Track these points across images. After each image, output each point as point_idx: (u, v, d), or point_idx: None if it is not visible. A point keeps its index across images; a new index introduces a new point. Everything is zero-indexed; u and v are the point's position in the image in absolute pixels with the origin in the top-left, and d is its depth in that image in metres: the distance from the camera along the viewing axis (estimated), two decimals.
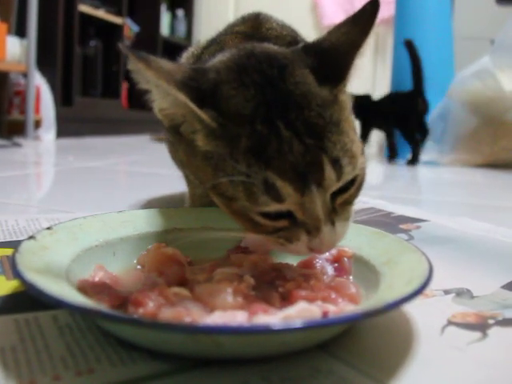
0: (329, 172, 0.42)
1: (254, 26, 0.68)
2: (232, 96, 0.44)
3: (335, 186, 0.44)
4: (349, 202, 0.47)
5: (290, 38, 0.65)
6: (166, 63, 0.45)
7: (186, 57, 0.75)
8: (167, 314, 0.38)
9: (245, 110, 0.44)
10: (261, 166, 0.42)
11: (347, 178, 0.44)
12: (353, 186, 0.46)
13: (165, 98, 0.45)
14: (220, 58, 0.49)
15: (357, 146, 0.45)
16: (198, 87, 0.45)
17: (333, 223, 0.44)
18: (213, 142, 0.45)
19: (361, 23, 0.48)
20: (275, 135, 0.42)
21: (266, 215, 0.44)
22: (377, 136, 2.64)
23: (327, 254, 0.52)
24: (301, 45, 0.50)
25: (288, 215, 0.44)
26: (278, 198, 0.42)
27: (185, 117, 0.46)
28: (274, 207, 0.43)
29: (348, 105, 0.48)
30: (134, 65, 0.44)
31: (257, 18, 0.70)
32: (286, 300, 0.44)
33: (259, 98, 0.44)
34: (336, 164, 0.43)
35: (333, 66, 0.47)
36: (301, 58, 0.47)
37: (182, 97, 0.43)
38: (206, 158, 0.46)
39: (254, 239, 0.51)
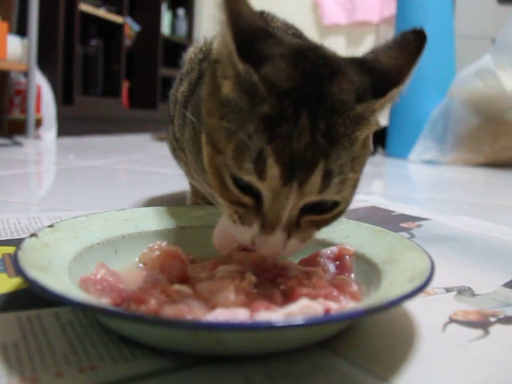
0: (316, 178, 0.41)
1: None
2: (279, 68, 0.43)
3: (313, 197, 0.42)
4: (316, 226, 0.46)
5: (295, 37, 0.65)
6: (245, 5, 0.44)
7: (193, 52, 0.74)
8: (169, 311, 0.38)
9: (283, 84, 0.43)
10: (265, 137, 0.41)
11: (329, 196, 0.43)
12: (328, 213, 0.45)
13: (221, 33, 0.45)
14: (288, 37, 0.48)
15: (353, 176, 0.44)
16: (251, 41, 0.44)
17: (289, 235, 0.44)
18: (237, 93, 0.44)
19: (408, 51, 0.47)
20: (294, 119, 0.42)
21: (238, 183, 0.43)
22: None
23: (328, 251, 0.52)
24: (355, 57, 0.49)
25: (257, 196, 0.43)
26: (261, 174, 0.41)
27: (225, 58, 0.45)
28: (251, 179, 0.42)
29: (370, 137, 0.48)
30: None
31: (261, 16, 0.70)
32: (288, 297, 0.44)
33: (301, 83, 0.43)
34: (327, 176, 0.42)
35: (374, 85, 0.45)
36: (353, 70, 0.46)
37: (229, 36, 0.43)
38: (222, 104, 0.45)
39: (220, 239, 0.51)
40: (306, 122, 0.41)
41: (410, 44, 0.47)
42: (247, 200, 0.44)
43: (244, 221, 0.44)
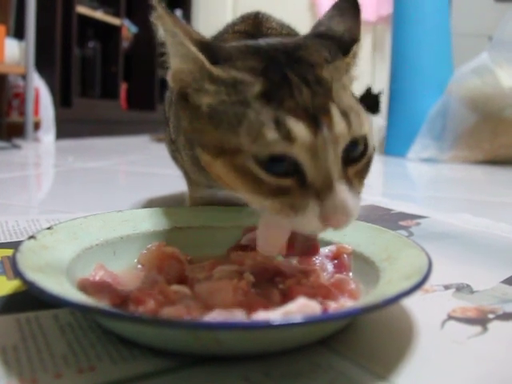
0: (337, 118, 0.41)
1: (254, 25, 0.68)
2: (247, 59, 0.45)
3: (345, 139, 0.41)
4: (361, 176, 0.44)
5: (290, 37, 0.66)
6: (189, 26, 0.47)
7: None
8: (167, 312, 0.38)
9: (259, 65, 0.44)
10: (273, 106, 0.41)
11: (357, 131, 0.42)
12: (364, 156, 0.44)
13: (178, 50, 0.46)
14: (232, 44, 0.50)
15: (362, 111, 0.45)
16: (211, 48, 0.46)
17: (349, 183, 0.41)
18: (223, 93, 0.44)
19: (350, 15, 0.53)
20: (286, 82, 0.43)
21: (270, 169, 0.41)
22: (376, 131, 2.64)
23: (326, 250, 0.53)
24: (306, 34, 0.53)
25: (295, 172, 0.41)
26: (289, 136, 0.40)
27: (193, 74, 0.46)
28: (282, 148, 0.40)
29: (352, 82, 0.50)
30: (157, 12, 0.45)
31: (256, 17, 0.71)
32: (286, 297, 0.44)
33: (273, 60, 0.45)
34: (343, 115, 0.42)
35: (339, 47, 0.49)
36: (310, 41, 0.49)
37: (194, 49, 0.45)
38: (210, 117, 0.45)
39: (267, 237, 0.48)
40: (296, 79, 0.43)
41: (348, 9, 0.53)
42: (287, 182, 0.41)
43: (297, 208, 0.41)
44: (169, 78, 0.49)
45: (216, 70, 0.45)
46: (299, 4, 3.90)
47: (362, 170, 0.44)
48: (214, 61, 0.45)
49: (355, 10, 0.53)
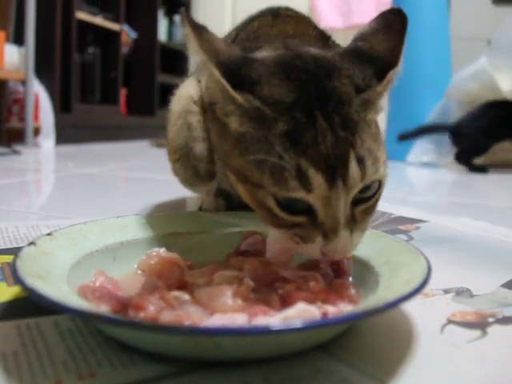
0: (353, 169, 0.43)
1: (273, 25, 0.68)
2: (275, 85, 0.45)
3: (358, 187, 0.44)
4: (368, 213, 0.47)
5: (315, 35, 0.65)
6: (218, 41, 0.47)
7: None
8: (168, 318, 0.38)
9: (286, 98, 0.44)
10: (296, 152, 0.42)
11: (370, 179, 0.44)
12: (374, 196, 0.47)
13: (205, 69, 0.47)
14: (267, 54, 0.50)
15: (382, 153, 0.46)
16: (237, 71, 0.46)
17: (351, 230, 0.45)
18: (247, 124, 0.45)
19: (394, 32, 0.49)
20: (312, 124, 0.43)
21: (286, 208, 0.45)
22: None
23: None
24: (344, 48, 0.51)
25: (308, 212, 0.44)
26: (308, 186, 0.42)
27: (220, 94, 0.47)
28: (300, 195, 0.43)
29: (379, 113, 0.49)
30: (186, 29, 0.46)
31: (277, 14, 0.70)
32: (286, 302, 0.44)
33: (302, 90, 0.45)
34: (360, 162, 0.43)
35: (375, 71, 0.48)
36: (346, 61, 0.48)
37: (217, 73, 0.45)
38: (237, 141, 0.46)
39: (276, 249, 0.50)
40: (322, 122, 0.43)
41: (394, 24, 0.50)
42: (300, 219, 0.45)
43: (306, 239, 0.45)
44: (204, 91, 0.49)
45: (239, 98, 0.45)
46: (298, 7, 3.91)
47: (370, 207, 0.47)
48: (239, 84, 0.45)
49: (401, 25, 0.50)
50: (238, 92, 0.45)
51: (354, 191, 0.44)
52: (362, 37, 0.51)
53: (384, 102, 0.50)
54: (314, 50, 0.51)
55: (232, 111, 0.46)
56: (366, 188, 0.45)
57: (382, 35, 0.50)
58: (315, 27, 0.67)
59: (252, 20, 0.70)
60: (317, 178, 0.42)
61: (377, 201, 0.48)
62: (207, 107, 0.52)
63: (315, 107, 0.44)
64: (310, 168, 0.42)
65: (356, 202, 0.45)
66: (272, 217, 0.46)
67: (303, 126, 0.43)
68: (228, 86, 0.45)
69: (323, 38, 0.64)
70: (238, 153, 0.46)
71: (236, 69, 0.46)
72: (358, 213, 0.46)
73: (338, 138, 0.43)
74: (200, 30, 0.46)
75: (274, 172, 0.43)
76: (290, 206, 0.44)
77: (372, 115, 0.47)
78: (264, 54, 0.50)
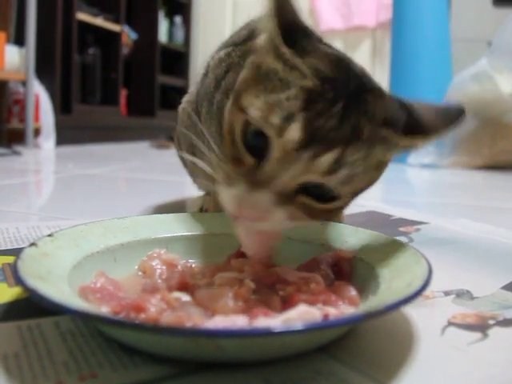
0: (327, 159, 0.42)
1: None
2: (322, 61, 0.45)
3: (316, 176, 0.43)
4: (307, 211, 0.46)
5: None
6: (295, 11, 0.47)
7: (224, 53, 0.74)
8: (168, 319, 0.38)
9: (326, 72, 0.44)
10: (302, 105, 0.42)
11: (331, 182, 0.44)
12: (322, 203, 0.46)
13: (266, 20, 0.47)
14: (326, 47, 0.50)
15: (357, 185, 0.46)
16: (294, 35, 0.46)
17: (277, 202, 0.43)
18: (281, 66, 0.45)
19: (446, 118, 0.48)
20: (331, 103, 0.43)
21: (246, 140, 0.45)
22: None
23: (327, 257, 0.53)
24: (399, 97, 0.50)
25: (259, 157, 0.44)
26: (282, 131, 0.42)
27: (270, 39, 0.47)
28: (271, 133, 0.43)
29: (386, 166, 0.49)
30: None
31: None
32: (287, 303, 0.44)
33: (343, 79, 0.45)
34: (338, 163, 0.43)
35: (408, 125, 0.46)
36: (392, 100, 0.48)
37: (274, 23, 0.45)
38: (260, 75, 0.46)
39: (251, 242, 0.50)
40: (340, 109, 0.43)
41: (450, 113, 0.48)
42: (248, 159, 0.44)
43: (232, 180, 0.44)
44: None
45: (285, 50, 0.45)
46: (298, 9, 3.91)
47: (313, 209, 0.46)
48: (292, 43, 0.45)
49: (456, 117, 0.47)
50: (286, 45, 0.45)
51: (312, 176, 0.43)
52: (419, 103, 0.49)
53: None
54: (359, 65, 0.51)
55: (270, 52, 0.46)
56: (322, 189, 0.44)
57: (435, 114, 0.48)
58: None
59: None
60: (295, 132, 0.42)
61: (322, 212, 0.46)
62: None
63: (344, 96, 0.43)
64: (298, 121, 0.42)
65: (305, 192, 0.44)
66: (230, 143, 0.45)
67: (324, 97, 0.43)
68: (278, 35, 0.45)
69: None
70: (255, 82, 0.46)
71: (292, 31, 0.46)
72: (298, 201, 0.44)
73: (340, 129, 0.43)
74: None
75: (271, 103, 0.43)
76: (253, 139, 0.44)
77: (377, 152, 0.45)
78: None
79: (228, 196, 0.45)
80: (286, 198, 0.44)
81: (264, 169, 0.43)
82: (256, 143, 0.44)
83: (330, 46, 0.49)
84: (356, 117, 0.43)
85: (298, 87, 0.43)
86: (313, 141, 0.42)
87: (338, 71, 0.45)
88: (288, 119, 0.42)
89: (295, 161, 0.42)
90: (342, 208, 0.48)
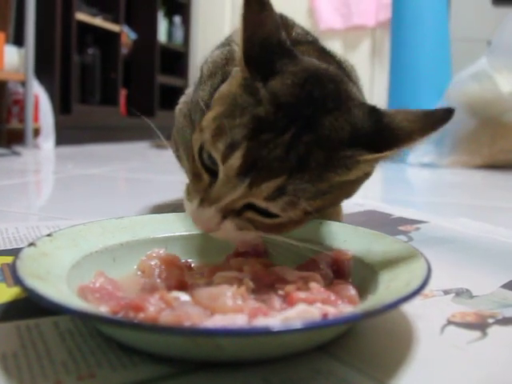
0: (267, 188, 0.44)
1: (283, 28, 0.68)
2: (286, 84, 0.46)
3: (257, 201, 0.45)
4: (254, 225, 0.48)
5: (317, 46, 0.66)
6: (274, 24, 0.48)
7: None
8: (167, 318, 0.38)
9: (284, 98, 0.46)
10: (248, 134, 0.44)
11: (271, 208, 0.46)
12: (268, 219, 0.47)
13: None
14: (311, 61, 0.52)
15: (308, 208, 0.46)
16: (265, 54, 0.48)
17: (224, 216, 0.46)
18: (240, 90, 0.47)
19: (430, 121, 0.47)
20: (280, 132, 0.44)
21: (201, 159, 0.47)
22: None
23: (326, 256, 0.53)
24: (370, 105, 0.50)
25: (212, 175, 0.47)
26: (225, 158, 0.44)
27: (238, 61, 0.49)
28: (216, 158, 0.45)
29: (366, 178, 0.50)
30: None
31: (281, 17, 0.70)
32: (286, 303, 0.44)
33: (301, 104, 0.46)
34: (278, 191, 0.44)
35: (376, 142, 0.46)
36: (359, 114, 0.47)
37: (240, 44, 0.47)
38: (224, 96, 0.49)
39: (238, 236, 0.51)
40: (288, 137, 0.44)
41: (434, 115, 0.47)
42: (205, 176, 0.47)
43: (191, 195, 0.49)
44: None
45: (246, 73, 0.47)
46: (298, 10, 3.91)
47: (259, 223, 0.48)
48: (260, 63, 0.47)
49: (441, 119, 0.46)
50: (247, 68, 0.47)
51: (253, 200, 0.45)
52: (399, 109, 0.49)
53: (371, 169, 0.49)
54: (344, 79, 0.51)
55: (238, 76, 0.48)
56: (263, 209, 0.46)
57: (414, 117, 0.47)
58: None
59: None
60: (235, 160, 0.44)
61: (269, 226, 0.48)
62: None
63: (296, 125, 0.45)
64: (240, 150, 0.44)
65: (252, 208, 0.47)
66: (192, 159, 0.49)
67: (274, 126, 0.44)
68: (241, 59, 0.47)
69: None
70: (218, 103, 0.48)
71: (264, 51, 0.47)
72: (246, 215, 0.47)
73: (285, 159, 0.44)
74: (254, 4, 0.47)
75: (221, 129, 0.45)
76: (206, 158, 0.47)
77: (336, 176, 0.46)
78: (309, 58, 0.52)
79: (187, 210, 0.50)
80: (234, 213, 0.47)
81: (213, 189, 0.46)
82: (210, 162, 0.47)
83: (307, 61, 0.50)
84: (305, 145, 0.44)
85: (250, 115, 0.45)
86: (254, 169, 0.44)
87: (299, 95, 0.46)
88: (232, 147, 0.44)
89: (236, 186, 0.45)
90: (290, 225, 0.49)
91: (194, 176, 0.49)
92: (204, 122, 0.48)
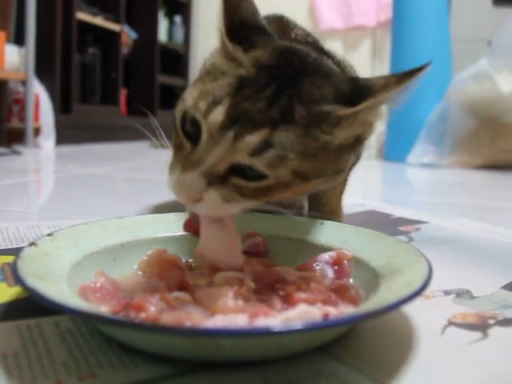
0: (251, 140, 0.43)
1: (281, 29, 0.69)
2: (265, 52, 0.48)
3: (242, 157, 0.44)
4: (241, 192, 0.46)
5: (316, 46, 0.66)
6: (250, 5, 0.51)
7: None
8: (168, 318, 0.38)
9: (264, 61, 0.47)
10: (230, 90, 0.45)
11: (258, 164, 0.44)
12: (254, 182, 0.46)
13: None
14: (286, 41, 0.53)
15: (296, 166, 0.45)
16: (244, 31, 0.49)
17: (209, 183, 0.45)
18: (222, 59, 0.49)
19: (406, 73, 0.47)
20: (262, 87, 0.45)
21: (184, 128, 0.47)
22: (376, 137, 2.64)
23: (327, 256, 0.53)
24: (349, 74, 0.52)
25: (195, 141, 0.46)
26: (207, 114, 0.44)
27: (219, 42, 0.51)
28: (198, 116, 0.45)
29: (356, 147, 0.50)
30: None
31: (281, 20, 0.71)
32: (287, 303, 0.44)
33: (280, 66, 0.47)
34: (264, 144, 0.43)
35: (356, 97, 0.47)
36: (336, 77, 0.49)
37: (222, 21, 0.50)
38: (208, 71, 0.49)
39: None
40: (270, 92, 0.45)
41: (411, 70, 0.47)
42: (186, 144, 0.47)
43: (173, 166, 0.47)
44: None
45: (229, 45, 0.49)
46: (298, 10, 3.91)
47: (246, 189, 0.46)
48: (240, 38, 0.49)
49: (411, 72, 0.47)
50: (229, 39, 0.49)
51: (238, 157, 0.44)
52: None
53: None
54: (317, 54, 0.52)
55: (220, 50, 0.50)
56: (250, 168, 0.45)
57: (389, 76, 0.49)
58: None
59: None
60: (218, 114, 0.44)
61: (256, 191, 0.46)
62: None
63: (277, 81, 0.45)
64: (223, 104, 0.44)
65: (237, 173, 0.45)
66: (174, 130, 0.49)
67: (256, 82, 0.45)
68: (223, 31, 0.50)
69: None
70: (202, 75, 0.49)
71: (243, 28, 0.49)
72: (231, 182, 0.45)
73: (267, 111, 0.44)
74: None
75: (203, 92, 0.46)
76: (189, 128, 0.46)
77: (321, 133, 0.46)
78: (284, 39, 0.54)
79: (168, 181, 0.47)
80: (219, 180, 0.45)
81: (195, 152, 0.45)
82: (193, 130, 0.46)
83: (291, 41, 0.53)
84: (287, 99, 0.45)
85: (232, 76, 0.46)
86: (237, 123, 0.43)
87: (278, 60, 0.47)
88: (214, 104, 0.44)
89: (220, 141, 0.44)
90: (279, 187, 0.47)
91: (177, 148, 0.48)
92: (186, 92, 0.48)
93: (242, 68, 0.46)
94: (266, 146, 0.43)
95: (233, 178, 0.45)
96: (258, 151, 0.43)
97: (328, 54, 0.64)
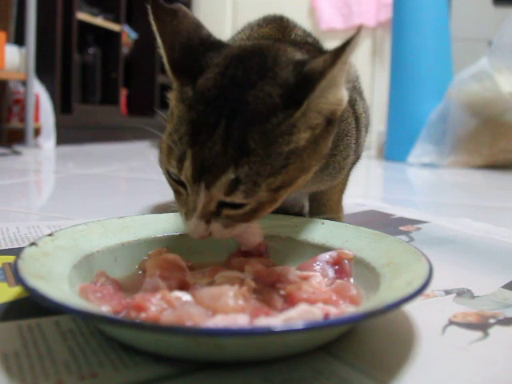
0: (222, 183, 0.45)
1: (280, 30, 0.68)
2: (209, 78, 0.48)
3: (221, 198, 0.47)
4: (234, 219, 0.49)
5: (315, 47, 0.66)
6: (188, 23, 0.51)
7: None
8: (169, 318, 0.38)
9: (208, 93, 0.47)
10: (189, 141, 0.46)
11: (235, 199, 0.47)
12: (240, 209, 0.48)
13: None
14: (240, 43, 0.54)
15: (272, 183, 0.47)
16: (191, 56, 0.50)
17: (207, 221, 0.48)
18: (175, 102, 0.50)
19: (339, 47, 0.45)
20: (213, 128, 0.46)
21: (173, 177, 0.49)
22: (376, 137, 2.64)
23: (327, 256, 0.53)
24: (300, 58, 0.50)
25: (185, 186, 0.49)
26: (181, 170, 0.47)
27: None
28: (176, 173, 0.48)
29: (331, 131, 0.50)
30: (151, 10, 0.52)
31: (281, 20, 0.71)
32: (287, 302, 0.44)
33: (225, 91, 0.47)
34: (234, 182, 0.45)
35: (303, 92, 0.46)
36: (286, 75, 0.47)
37: (165, 59, 0.51)
38: (171, 113, 0.51)
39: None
40: (221, 132, 0.45)
41: (345, 41, 0.45)
42: (181, 190, 0.50)
43: (180, 212, 0.51)
44: None
45: (176, 83, 0.50)
46: (299, 9, 3.91)
47: (236, 215, 0.49)
48: (187, 67, 0.49)
49: (339, 47, 0.45)
50: (176, 78, 0.50)
51: (218, 199, 0.47)
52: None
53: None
54: (278, 48, 0.51)
55: (174, 89, 0.51)
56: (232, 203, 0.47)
57: (326, 55, 0.46)
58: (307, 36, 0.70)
59: (257, 26, 0.71)
60: (187, 169, 0.46)
61: (245, 215, 0.49)
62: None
63: (224, 114, 0.46)
64: (188, 158, 0.46)
65: (226, 205, 0.48)
66: (167, 181, 0.52)
67: (207, 124, 0.46)
68: (170, 70, 0.50)
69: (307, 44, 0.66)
70: (168, 122, 0.51)
71: (189, 54, 0.50)
72: (224, 213, 0.48)
73: (225, 153, 0.45)
74: (160, 9, 0.51)
75: (170, 146, 0.48)
76: (173, 175, 0.49)
77: (285, 140, 0.47)
78: (238, 42, 0.55)
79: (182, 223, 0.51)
80: (215, 215, 0.48)
81: (188, 201, 0.49)
82: (179, 179, 0.49)
83: (234, 46, 0.52)
84: (238, 131, 0.45)
85: (186, 122, 0.47)
86: (204, 172, 0.46)
87: (221, 83, 0.47)
88: (181, 160, 0.47)
89: (198, 192, 0.47)
90: (263, 207, 0.49)
91: (175, 192, 0.51)
92: (161, 143, 0.50)
93: (192, 110, 0.47)
94: (235, 183, 0.45)
95: (224, 210, 0.48)
96: (230, 190, 0.46)
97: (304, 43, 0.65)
